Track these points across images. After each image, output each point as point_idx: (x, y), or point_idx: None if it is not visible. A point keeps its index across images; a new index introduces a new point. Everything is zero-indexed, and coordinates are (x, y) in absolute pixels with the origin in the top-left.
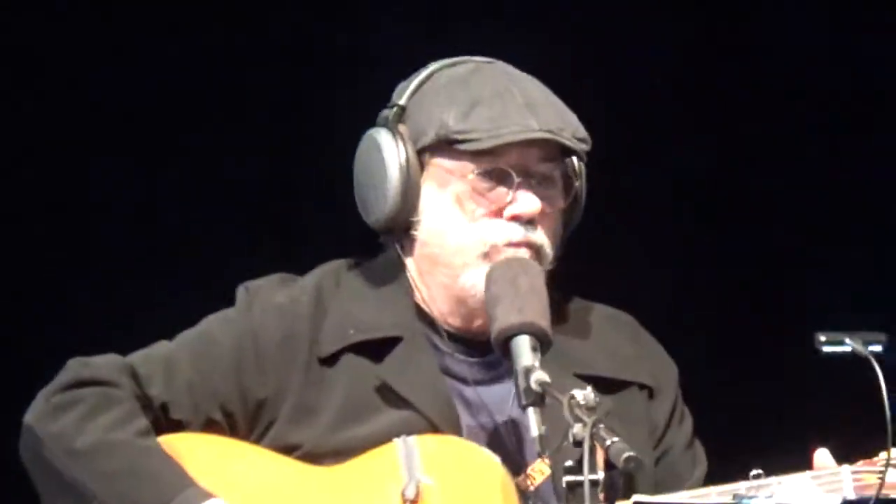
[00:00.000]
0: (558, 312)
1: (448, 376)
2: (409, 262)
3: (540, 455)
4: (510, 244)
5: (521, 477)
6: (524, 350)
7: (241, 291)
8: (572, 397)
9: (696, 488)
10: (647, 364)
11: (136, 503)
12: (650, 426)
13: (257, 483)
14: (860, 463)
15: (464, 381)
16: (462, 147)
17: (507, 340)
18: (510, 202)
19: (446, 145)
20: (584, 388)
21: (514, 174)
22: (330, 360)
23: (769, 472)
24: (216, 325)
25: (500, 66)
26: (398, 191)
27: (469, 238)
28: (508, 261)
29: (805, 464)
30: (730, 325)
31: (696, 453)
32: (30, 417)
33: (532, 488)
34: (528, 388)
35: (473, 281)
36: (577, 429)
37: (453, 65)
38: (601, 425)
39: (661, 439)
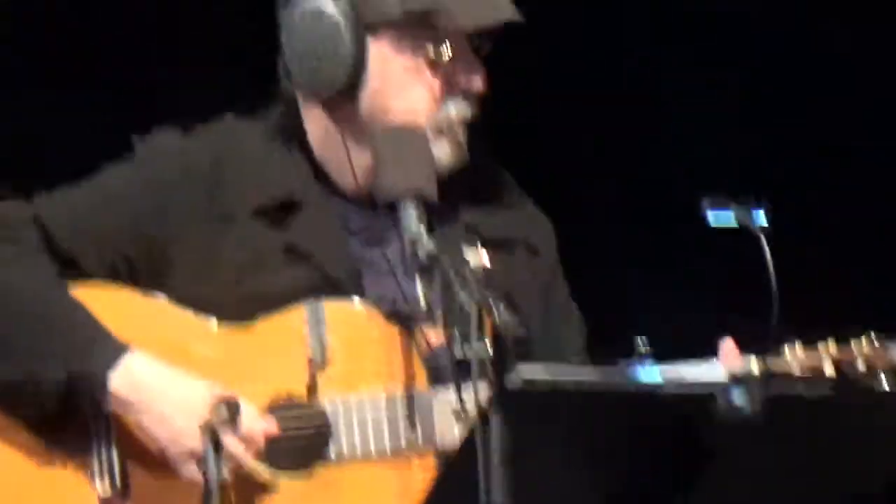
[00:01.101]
0: (453, 175)
1: (350, 235)
2: (320, 124)
3: (428, 324)
4: (464, 121)
5: (419, 338)
6: (411, 219)
7: (138, 143)
8: (460, 268)
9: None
10: (528, 222)
11: (47, 353)
12: (536, 285)
13: (164, 344)
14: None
15: (365, 239)
16: (438, 22)
17: (393, 206)
18: (465, 78)
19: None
20: (475, 247)
21: (471, 50)
22: (229, 219)
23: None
24: (116, 174)
25: None
26: (351, 58)
27: (425, 112)
28: (397, 130)
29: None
30: None
31: (576, 316)
32: None
33: (430, 352)
34: (416, 257)
35: (438, 154)
36: (463, 298)
37: None
38: (490, 295)
39: (544, 298)
